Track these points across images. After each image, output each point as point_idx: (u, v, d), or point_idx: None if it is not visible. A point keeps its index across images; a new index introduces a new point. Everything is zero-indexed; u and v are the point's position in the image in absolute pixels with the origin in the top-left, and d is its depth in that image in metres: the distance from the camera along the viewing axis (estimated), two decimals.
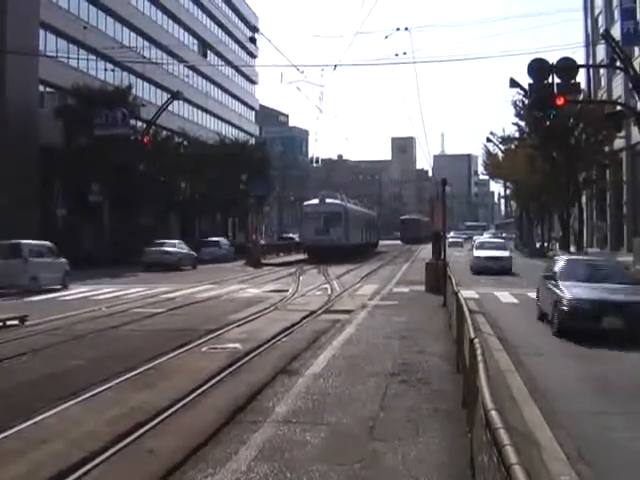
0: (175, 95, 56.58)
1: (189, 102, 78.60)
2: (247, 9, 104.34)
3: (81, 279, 32.76)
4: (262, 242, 77.12)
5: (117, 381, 11.26)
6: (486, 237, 69.68)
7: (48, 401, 9.85)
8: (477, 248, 38.64)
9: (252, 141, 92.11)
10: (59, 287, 30.50)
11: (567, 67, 31.08)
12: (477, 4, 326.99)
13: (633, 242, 38.44)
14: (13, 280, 28.74)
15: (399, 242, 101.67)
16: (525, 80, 33.51)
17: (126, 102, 52.73)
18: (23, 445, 8.07)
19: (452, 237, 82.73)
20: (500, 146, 70.74)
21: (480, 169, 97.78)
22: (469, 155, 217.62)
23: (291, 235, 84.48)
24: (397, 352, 13.88)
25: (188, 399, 10.06)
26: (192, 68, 78.12)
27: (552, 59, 31.05)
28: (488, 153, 77.29)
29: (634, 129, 47.93)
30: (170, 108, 61.21)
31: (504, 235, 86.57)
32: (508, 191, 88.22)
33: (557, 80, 30.59)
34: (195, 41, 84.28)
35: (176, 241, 49.65)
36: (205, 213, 73.62)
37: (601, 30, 52.02)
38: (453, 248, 64.95)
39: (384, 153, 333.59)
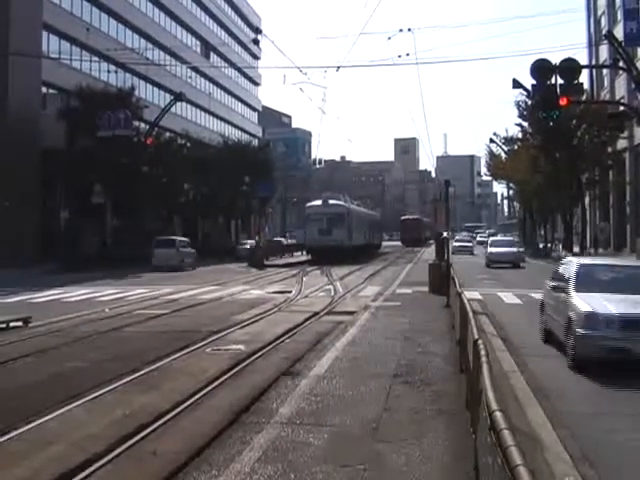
0: (178, 97, 56.58)
1: (192, 103, 78.60)
2: (250, 10, 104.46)
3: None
4: (293, 241, 77.12)
5: (121, 382, 11.24)
6: (486, 237, 68.66)
7: (51, 403, 9.84)
8: (596, 291, 13.37)
9: (255, 142, 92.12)
10: (191, 269, 46.39)
11: (570, 68, 31.11)
12: (480, 5, 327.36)
13: (636, 243, 38.39)
14: (168, 262, 44.52)
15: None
16: (528, 81, 33.56)
17: (129, 104, 52.75)
18: (26, 447, 8.06)
19: (458, 241, 70.03)
20: (503, 147, 70.81)
21: (483, 170, 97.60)
22: (472, 156, 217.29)
23: None
24: (400, 353, 13.86)
25: (191, 400, 10.05)
26: (195, 70, 78.15)
27: (555, 60, 31.12)
28: (491, 154, 77.35)
29: (637, 129, 47.96)
30: (173, 110, 61.22)
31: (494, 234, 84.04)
32: (511, 192, 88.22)
33: (560, 81, 30.64)
34: (198, 42, 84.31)
35: (251, 241, 65.41)
36: (208, 214, 73.62)
37: (604, 31, 52.03)
38: (459, 255, 55.71)
39: (387, 154, 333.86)
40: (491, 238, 57.76)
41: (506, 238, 60.01)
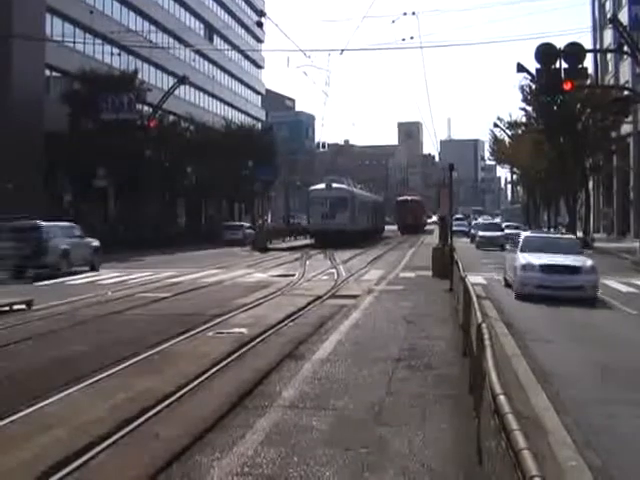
0: (181, 80, 56.42)
1: (195, 87, 78.44)
2: None
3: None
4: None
5: (123, 366, 11.24)
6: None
7: (53, 386, 9.84)
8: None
9: (258, 126, 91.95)
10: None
11: (574, 52, 30.94)
12: None
13: None
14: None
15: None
16: (533, 65, 33.33)
17: (132, 87, 52.67)
18: (28, 430, 8.06)
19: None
20: (507, 131, 70.55)
21: (487, 154, 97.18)
22: (476, 140, 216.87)
23: None
24: (403, 337, 13.85)
25: (194, 384, 10.05)
26: (198, 52, 77.90)
27: (559, 44, 30.94)
28: (495, 138, 77.13)
29: None
30: (176, 93, 61.06)
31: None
32: (515, 176, 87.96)
33: (564, 65, 30.48)
34: (201, 25, 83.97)
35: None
36: (211, 198, 73.57)
37: (609, 15, 51.80)
38: None
39: (391, 138, 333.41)
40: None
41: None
